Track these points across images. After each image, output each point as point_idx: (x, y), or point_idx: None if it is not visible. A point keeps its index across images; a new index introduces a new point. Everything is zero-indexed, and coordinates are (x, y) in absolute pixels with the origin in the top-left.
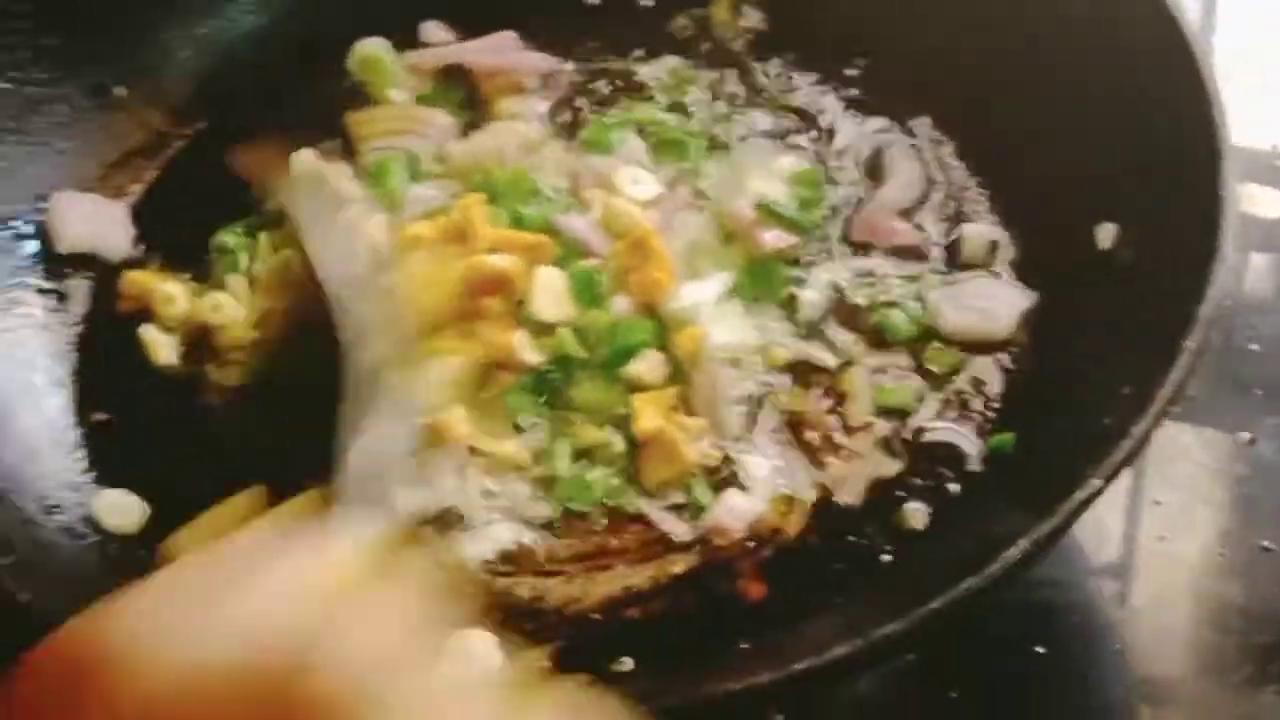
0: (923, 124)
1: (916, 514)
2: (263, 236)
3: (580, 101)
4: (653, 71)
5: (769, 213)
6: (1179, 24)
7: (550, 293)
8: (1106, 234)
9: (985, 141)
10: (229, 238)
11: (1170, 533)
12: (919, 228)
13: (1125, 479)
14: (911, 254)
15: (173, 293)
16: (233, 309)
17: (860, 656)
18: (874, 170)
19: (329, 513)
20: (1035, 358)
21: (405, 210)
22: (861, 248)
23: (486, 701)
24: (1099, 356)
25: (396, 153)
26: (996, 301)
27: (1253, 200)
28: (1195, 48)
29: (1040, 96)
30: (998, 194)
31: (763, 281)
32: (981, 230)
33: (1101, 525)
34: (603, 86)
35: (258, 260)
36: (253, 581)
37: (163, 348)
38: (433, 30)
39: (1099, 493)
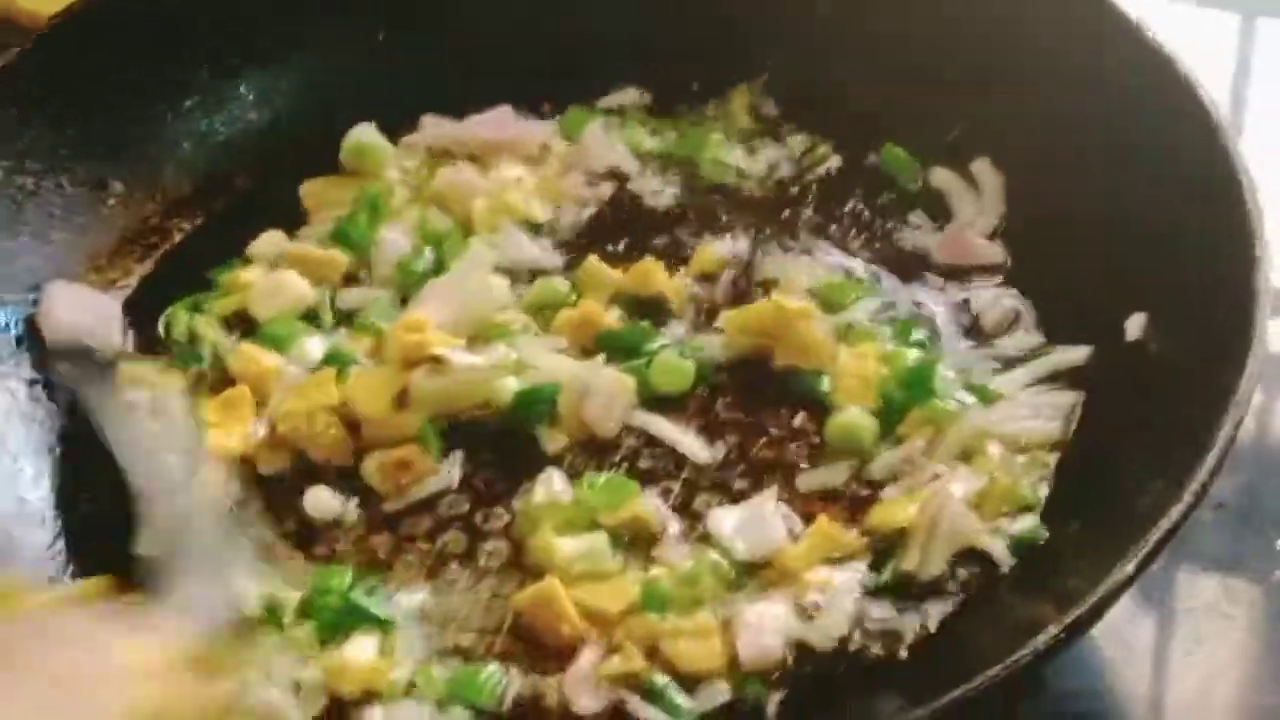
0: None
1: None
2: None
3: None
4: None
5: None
6: (1214, 121)
7: None
8: (1136, 325)
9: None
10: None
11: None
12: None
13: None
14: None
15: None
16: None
17: None
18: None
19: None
20: (1065, 449)
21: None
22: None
23: None
24: (1129, 448)
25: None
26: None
27: None
28: (1229, 144)
29: (1072, 182)
30: (1026, 275)
31: None
32: (1004, 302)
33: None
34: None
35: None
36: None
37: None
38: (434, 123)
39: (1129, 582)
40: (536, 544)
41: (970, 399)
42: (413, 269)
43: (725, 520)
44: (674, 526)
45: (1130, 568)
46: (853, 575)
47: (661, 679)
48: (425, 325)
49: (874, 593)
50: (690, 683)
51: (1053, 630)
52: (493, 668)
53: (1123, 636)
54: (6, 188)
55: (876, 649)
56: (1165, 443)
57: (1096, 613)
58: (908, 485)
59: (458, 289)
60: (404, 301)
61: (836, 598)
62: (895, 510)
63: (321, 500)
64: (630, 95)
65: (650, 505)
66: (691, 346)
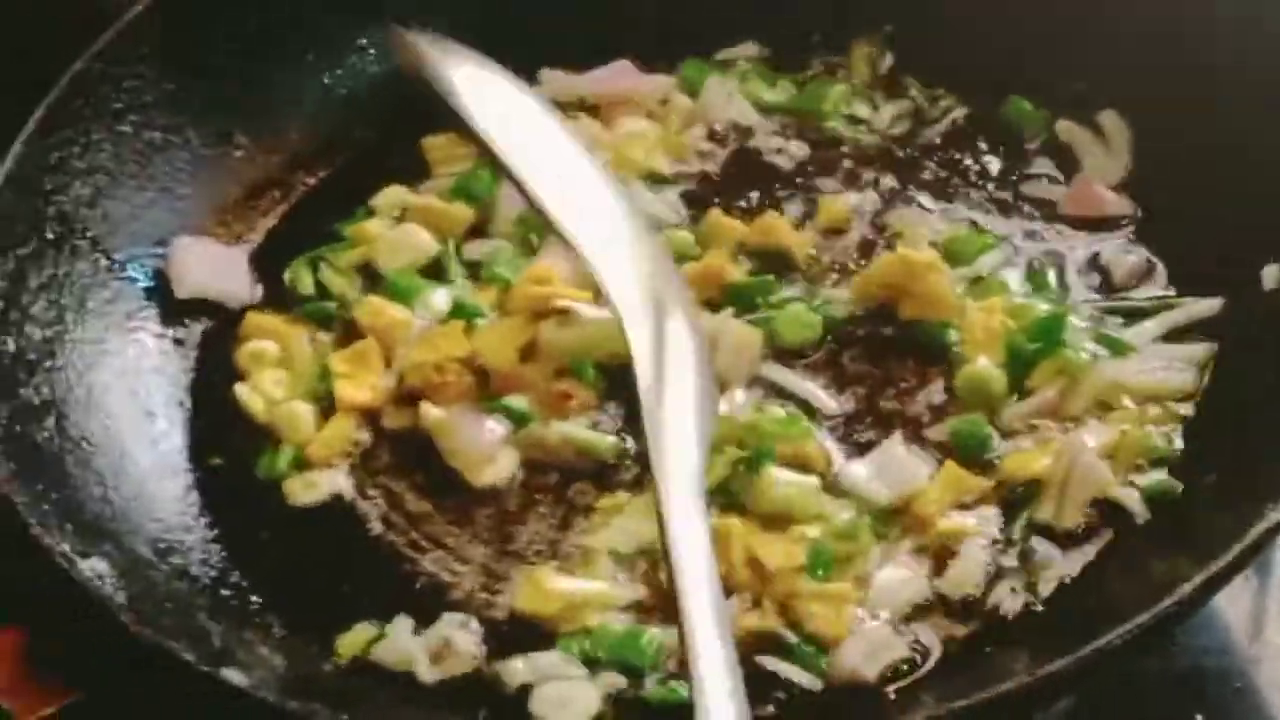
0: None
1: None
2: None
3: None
4: None
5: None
6: None
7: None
8: (1272, 275)
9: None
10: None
11: None
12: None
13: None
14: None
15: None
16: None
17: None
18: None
19: None
20: (1199, 402)
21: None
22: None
23: None
24: (1264, 401)
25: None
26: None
27: None
28: None
29: (1201, 132)
30: (1155, 226)
31: None
32: (1134, 253)
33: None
34: None
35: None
36: None
37: (258, 402)
38: (554, 77)
39: (1272, 534)
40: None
41: (1101, 351)
42: (536, 222)
43: (859, 470)
44: (838, 463)
45: (1276, 518)
46: (986, 524)
47: (792, 638)
48: (552, 277)
49: (1008, 543)
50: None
51: (1197, 580)
52: (653, 631)
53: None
54: (134, 142)
55: (1012, 601)
56: None
57: (1237, 566)
58: (1039, 438)
59: None
60: (529, 255)
61: (970, 547)
62: (1028, 460)
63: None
64: (749, 49)
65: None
66: (818, 299)
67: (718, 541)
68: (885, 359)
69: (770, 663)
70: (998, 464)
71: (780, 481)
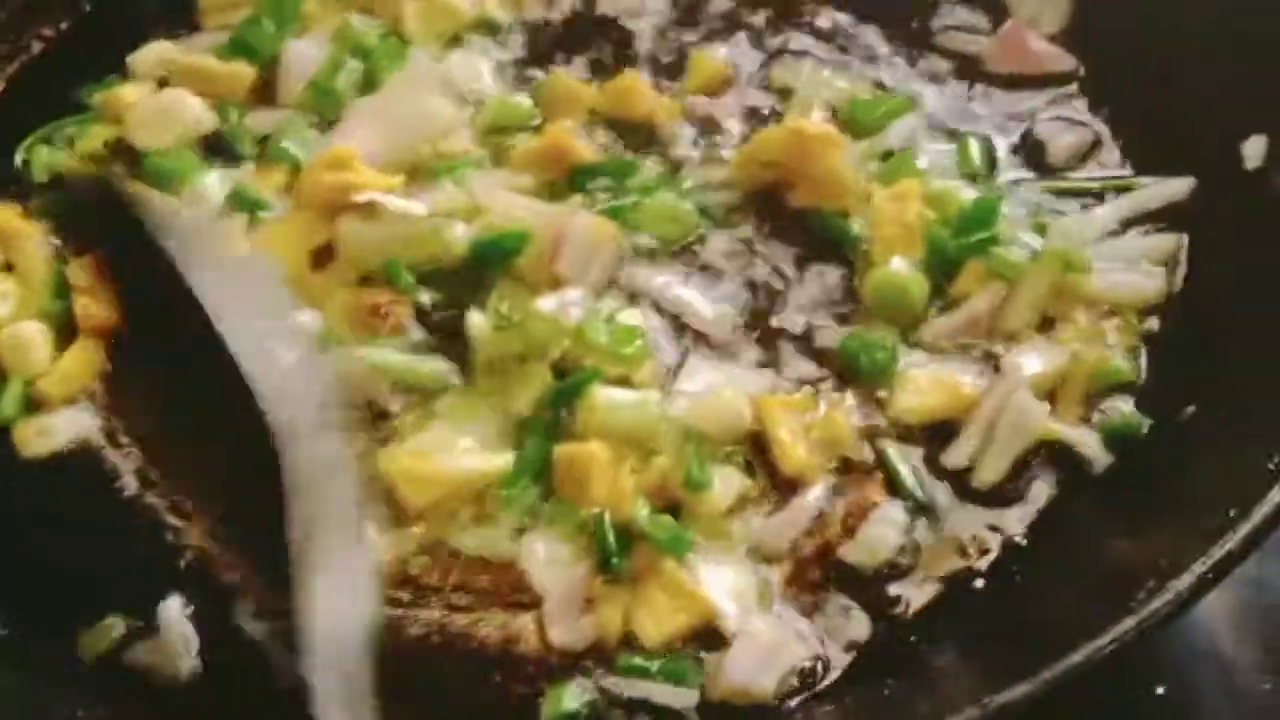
0: None
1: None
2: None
3: None
4: None
5: None
6: None
7: None
8: (1256, 149)
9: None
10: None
11: None
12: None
13: None
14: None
15: None
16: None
17: None
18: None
19: None
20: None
21: None
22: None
23: None
24: (1249, 310)
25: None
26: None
27: None
28: None
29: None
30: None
31: None
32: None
33: None
34: None
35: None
36: None
37: None
38: None
39: None
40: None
41: (1042, 246)
42: (332, 87)
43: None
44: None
45: None
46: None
47: None
48: (351, 159)
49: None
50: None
51: (1180, 587)
52: None
53: None
54: None
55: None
56: None
57: (1236, 558)
58: (968, 360)
59: (391, 112)
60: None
61: (878, 514)
62: (940, 394)
63: None
64: None
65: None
66: (689, 184)
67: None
68: (775, 257)
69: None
70: (888, 399)
71: (611, 403)
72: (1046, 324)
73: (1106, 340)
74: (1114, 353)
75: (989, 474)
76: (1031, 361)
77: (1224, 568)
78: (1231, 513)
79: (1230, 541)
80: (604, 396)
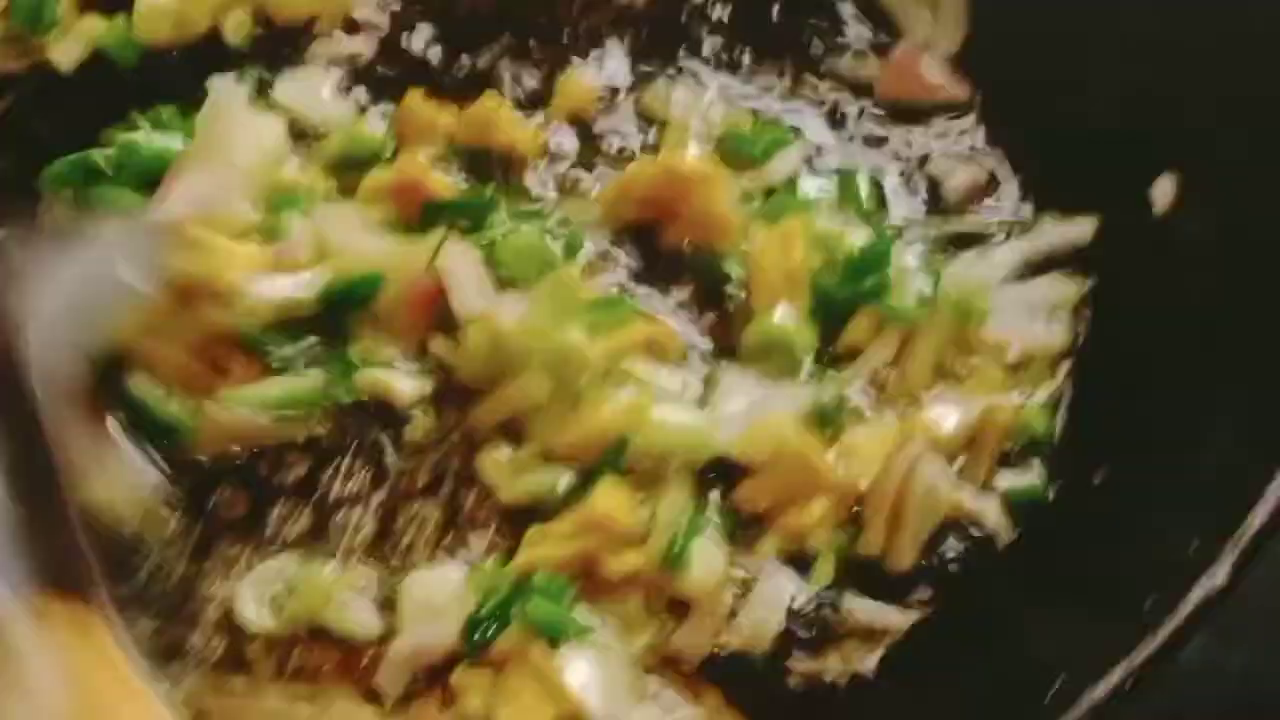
0: None
1: None
2: None
3: None
4: None
5: None
6: None
7: None
8: (1165, 190)
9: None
10: None
11: None
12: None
13: None
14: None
15: None
16: None
17: None
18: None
19: None
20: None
21: None
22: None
23: None
24: (1162, 357)
25: None
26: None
27: None
28: None
29: None
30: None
31: None
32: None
33: None
34: None
35: None
36: None
37: None
38: None
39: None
40: None
41: (937, 292)
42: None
43: None
44: None
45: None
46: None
47: None
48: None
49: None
50: None
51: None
52: None
53: None
54: None
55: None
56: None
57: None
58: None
59: (211, 150)
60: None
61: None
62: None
63: None
64: None
65: None
66: (554, 219)
67: None
68: (645, 300)
69: None
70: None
71: None
72: (950, 377)
73: (1017, 394)
74: (1028, 408)
75: (903, 561)
76: (940, 420)
77: (1145, 672)
78: (1149, 603)
79: (1150, 644)
80: None
